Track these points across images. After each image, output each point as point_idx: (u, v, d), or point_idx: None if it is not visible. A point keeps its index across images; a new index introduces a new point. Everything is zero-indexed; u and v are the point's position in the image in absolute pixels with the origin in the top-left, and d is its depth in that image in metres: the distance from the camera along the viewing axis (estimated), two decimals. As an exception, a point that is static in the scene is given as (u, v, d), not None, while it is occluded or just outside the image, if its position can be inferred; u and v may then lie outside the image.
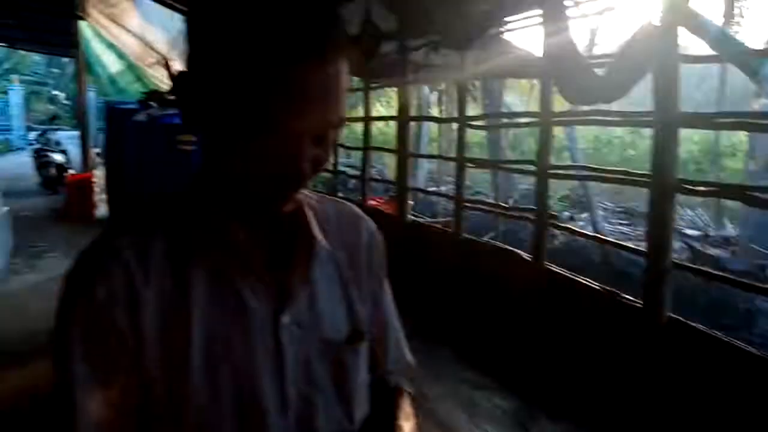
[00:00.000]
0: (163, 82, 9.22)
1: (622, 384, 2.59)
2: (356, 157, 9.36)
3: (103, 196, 9.13)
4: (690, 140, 11.95)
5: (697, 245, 7.62)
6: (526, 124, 3.15)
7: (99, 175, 9.46)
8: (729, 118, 2.34)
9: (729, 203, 7.76)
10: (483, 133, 12.36)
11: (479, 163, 4.82)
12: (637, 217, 9.68)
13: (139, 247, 0.66)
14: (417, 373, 0.96)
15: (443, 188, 10.06)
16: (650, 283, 2.46)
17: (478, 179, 11.66)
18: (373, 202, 5.83)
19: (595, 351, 2.78)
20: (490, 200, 7.79)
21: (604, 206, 10.26)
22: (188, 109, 0.67)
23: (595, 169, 2.87)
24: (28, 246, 6.83)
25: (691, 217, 9.72)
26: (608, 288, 2.79)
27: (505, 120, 6.64)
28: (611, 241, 3.45)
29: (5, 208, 6.55)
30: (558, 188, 9.33)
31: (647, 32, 2.20)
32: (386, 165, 11.26)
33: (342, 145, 6.10)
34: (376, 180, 6.28)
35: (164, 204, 0.73)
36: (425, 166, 12.42)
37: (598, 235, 3.58)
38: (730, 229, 9.06)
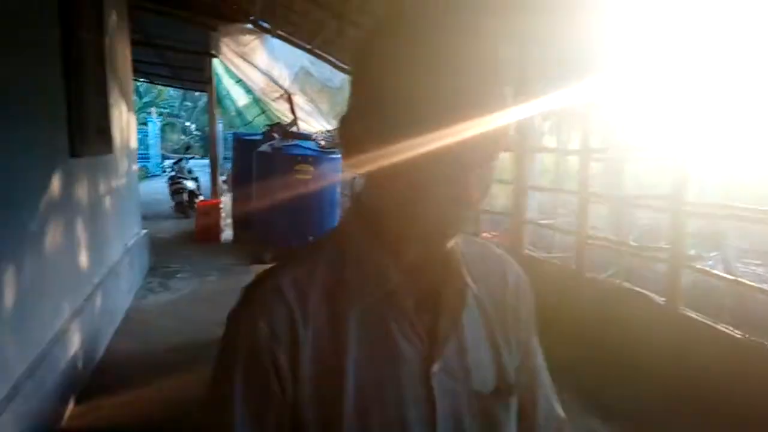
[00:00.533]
0: (285, 115, 9.74)
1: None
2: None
3: (229, 221, 9.75)
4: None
5: None
6: (655, 158, 2.96)
7: (226, 201, 10.13)
8: None
9: None
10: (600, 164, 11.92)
11: (605, 199, 4.71)
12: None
13: (299, 286, 0.67)
14: (568, 429, 0.90)
15: (555, 221, 9.71)
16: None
17: (590, 212, 11.13)
18: (486, 235, 5.75)
19: (737, 408, 2.52)
20: (606, 235, 7.39)
21: (734, 245, 9.38)
22: (353, 141, 0.65)
23: (740, 209, 2.63)
24: (161, 266, 7.40)
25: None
26: (755, 338, 2.53)
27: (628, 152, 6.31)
28: (755, 286, 3.12)
29: (144, 231, 7.17)
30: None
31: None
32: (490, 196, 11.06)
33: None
34: (490, 212, 6.18)
35: (323, 242, 0.73)
36: (536, 197, 12.10)
37: (740, 279, 3.24)
38: None
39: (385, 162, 0.60)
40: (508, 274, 0.82)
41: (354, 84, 0.65)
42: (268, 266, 0.71)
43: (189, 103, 31.31)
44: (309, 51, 6.60)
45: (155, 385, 3.94)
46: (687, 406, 2.78)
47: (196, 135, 29.12)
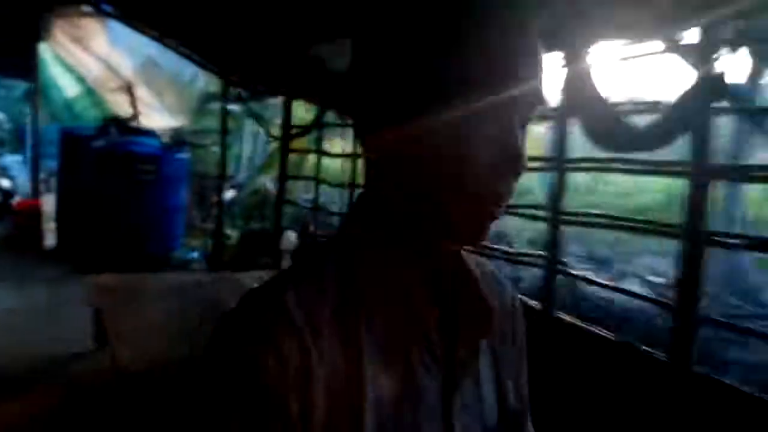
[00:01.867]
0: (124, 109, 8.87)
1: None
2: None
3: (53, 225, 8.61)
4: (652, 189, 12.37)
5: (662, 291, 7.74)
6: (540, 169, 3.06)
7: (48, 203, 8.95)
8: (763, 171, 2.31)
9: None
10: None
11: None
12: (602, 262, 9.84)
13: (307, 306, 0.55)
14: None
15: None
16: (678, 336, 2.36)
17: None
18: None
19: (608, 405, 2.66)
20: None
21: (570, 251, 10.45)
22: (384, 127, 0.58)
23: (616, 218, 2.80)
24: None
25: (649, 264, 9.94)
26: (628, 341, 2.69)
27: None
28: (632, 292, 3.36)
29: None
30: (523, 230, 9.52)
31: (696, 89, 2.16)
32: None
33: (324, 181, 5.91)
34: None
35: (324, 252, 0.61)
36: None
37: (611, 284, 3.47)
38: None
39: (428, 150, 0.56)
40: (507, 294, 0.78)
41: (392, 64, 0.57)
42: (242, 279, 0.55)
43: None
44: (158, 39, 6.02)
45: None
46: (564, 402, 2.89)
47: (7, 128, 25.70)
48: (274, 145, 14.23)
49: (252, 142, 15.06)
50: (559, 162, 2.88)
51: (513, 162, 0.56)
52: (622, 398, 2.62)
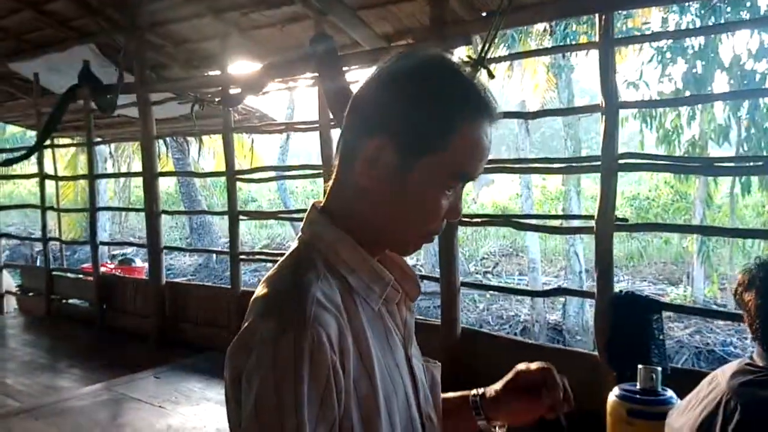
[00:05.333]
0: None
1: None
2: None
3: None
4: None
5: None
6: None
7: None
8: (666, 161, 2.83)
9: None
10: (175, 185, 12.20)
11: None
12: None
13: (329, 297, 0.69)
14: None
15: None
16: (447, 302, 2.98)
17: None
18: (105, 269, 5.19)
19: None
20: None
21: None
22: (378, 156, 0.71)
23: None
24: None
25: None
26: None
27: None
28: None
29: None
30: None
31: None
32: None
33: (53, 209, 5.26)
34: (110, 243, 5.58)
35: (300, 259, 0.74)
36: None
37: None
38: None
39: (413, 197, 0.71)
40: None
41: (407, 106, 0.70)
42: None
43: None
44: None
45: None
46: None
47: None
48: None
49: None
50: (325, 168, 3.26)
51: (456, 217, 0.75)
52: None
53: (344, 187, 0.75)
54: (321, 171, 3.34)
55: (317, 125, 3.32)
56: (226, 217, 3.98)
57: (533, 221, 3.44)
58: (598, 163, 2.60)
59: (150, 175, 4.09)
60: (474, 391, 0.91)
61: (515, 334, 7.28)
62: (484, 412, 0.87)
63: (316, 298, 0.67)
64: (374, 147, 0.69)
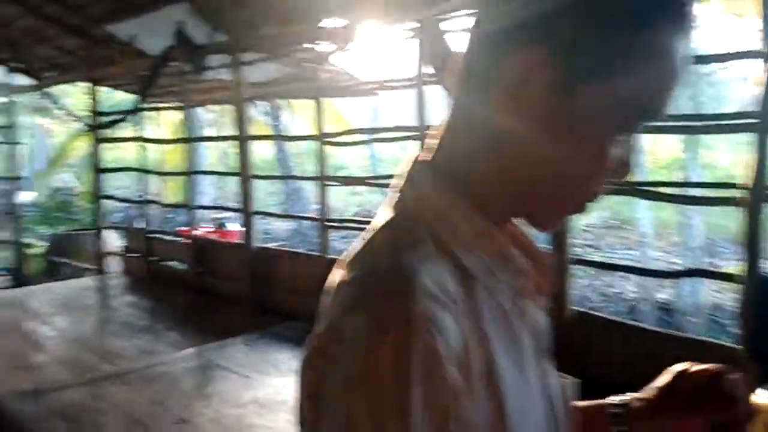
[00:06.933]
0: None
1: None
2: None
3: None
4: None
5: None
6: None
7: None
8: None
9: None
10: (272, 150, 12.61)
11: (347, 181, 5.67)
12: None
13: (441, 285, 0.49)
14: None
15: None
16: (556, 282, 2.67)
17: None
18: (199, 232, 5.29)
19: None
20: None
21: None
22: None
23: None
24: None
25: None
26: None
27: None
28: None
29: None
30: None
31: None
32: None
33: (155, 172, 5.41)
34: (205, 207, 5.73)
35: (399, 229, 0.54)
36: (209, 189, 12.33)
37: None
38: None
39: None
40: None
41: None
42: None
43: None
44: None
45: None
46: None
47: None
48: (60, 137, 12.66)
49: (32, 137, 13.20)
50: (420, 130, 3.01)
51: (625, 174, 0.55)
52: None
53: (464, 133, 0.55)
54: (416, 133, 3.09)
55: (414, 83, 3.05)
56: (316, 183, 3.88)
57: (668, 190, 3.01)
58: (755, 120, 2.15)
59: (243, 139, 4.04)
60: (614, 401, 0.71)
61: (622, 314, 6.77)
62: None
63: (425, 288, 0.47)
64: (524, 65, 0.49)
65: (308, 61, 3.94)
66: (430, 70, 2.81)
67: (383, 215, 0.57)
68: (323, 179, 3.70)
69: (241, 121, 4.04)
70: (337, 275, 0.52)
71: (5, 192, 7.08)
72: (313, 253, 4.04)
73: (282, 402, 2.34)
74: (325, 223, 3.63)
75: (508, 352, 0.55)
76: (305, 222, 11.05)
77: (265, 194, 12.35)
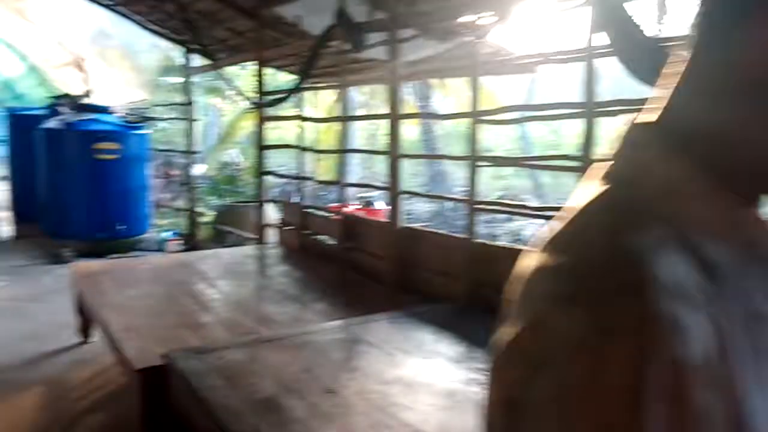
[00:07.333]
0: (73, 85, 8.29)
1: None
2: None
3: (7, 214, 8.09)
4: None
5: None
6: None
7: (-1, 191, 8.42)
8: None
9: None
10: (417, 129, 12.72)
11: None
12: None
13: (678, 274, 0.39)
14: None
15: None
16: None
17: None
18: (348, 209, 5.48)
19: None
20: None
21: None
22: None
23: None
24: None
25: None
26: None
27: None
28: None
29: None
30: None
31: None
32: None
33: (309, 149, 5.67)
34: (355, 185, 5.91)
35: (646, 191, 0.44)
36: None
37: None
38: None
39: None
40: None
41: None
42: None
43: None
44: (110, 7, 5.53)
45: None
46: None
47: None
48: (230, 116, 13.77)
49: (205, 115, 14.46)
50: (588, 107, 2.78)
51: None
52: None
53: (701, 92, 0.44)
54: (583, 110, 2.85)
55: (583, 55, 2.80)
56: (461, 166, 3.77)
57: None
58: None
59: (394, 117, 4.05)
60: None
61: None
62: None
63: (662, 282, 0.38)
64: None
65: (466, 37, 3.83)
66: (604, 40, 2.55)
67: (590, 189, 0.46)
68: (474, 159, 3.58)
69: (394, 100, 4.05)
70: (532, 260, 0.43)
71: (183, 165, 7.85)
72: (458, 235, 3.95)
73: (426, 384, 2.30)
74: (474, 205, 3.53)
75: (759, 368, 0.43)
76: (447, 204, 11.07)
77: (408, 175, 12.53)
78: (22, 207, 7.97)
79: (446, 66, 4.74)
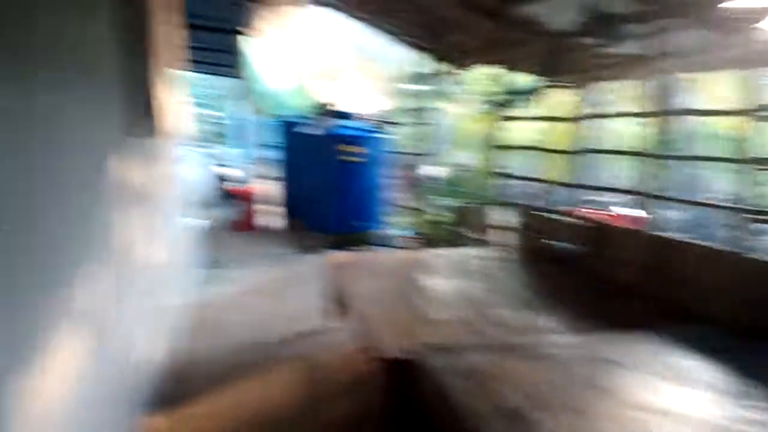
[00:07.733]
0: (330, 95, 9.21)
1: None
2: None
3: (277, 209, 9.36)
4: None
5: None
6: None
7: (261, 189, 9.80)
8: None
9: None
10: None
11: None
12: None
13: None
14: None
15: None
16: None
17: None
18: (588, 213, 5.16)
19: None
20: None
21: None
22: None
23: None
24: (214, 256, 6.98)
25: None
26: None
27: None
28: None
29: (202, 220, 6.78)
30: None
31: None
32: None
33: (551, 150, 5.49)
34: (595, 188, 5.59)
35: None
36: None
37: None
38: None
39: None
40: None
41: None
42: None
43: (212, 91, 30.62)
44: (367, 22, 5.99)
45: (231, 392, 3.48)
46: None
47: (221, 123, 28.61)
48: (464, 119, 14.00)
49: (441, 118, 14.92)
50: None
51: None
52: None
53: None
54: None
55: None
56: (721, 170, 3.23)
57: None
58: None
59: (663, 112, 3.65)
60: None
61: None
62: None
63: None
64: None
65: (734, 24, 3.29)
66: None
67: None
68: (748, 162, 3.06)
69: (658, 95, 3.66)
70: None
71: (419, 166, 8.19)
72: (726, 248, 3.42)
73: (688, 416, 2.01)
74: (751, 215, 3.01)
75: None
76: (701, 212, 9.70)
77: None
78: (291, 203, 9.19)
79: (710, 57, 4.16)
